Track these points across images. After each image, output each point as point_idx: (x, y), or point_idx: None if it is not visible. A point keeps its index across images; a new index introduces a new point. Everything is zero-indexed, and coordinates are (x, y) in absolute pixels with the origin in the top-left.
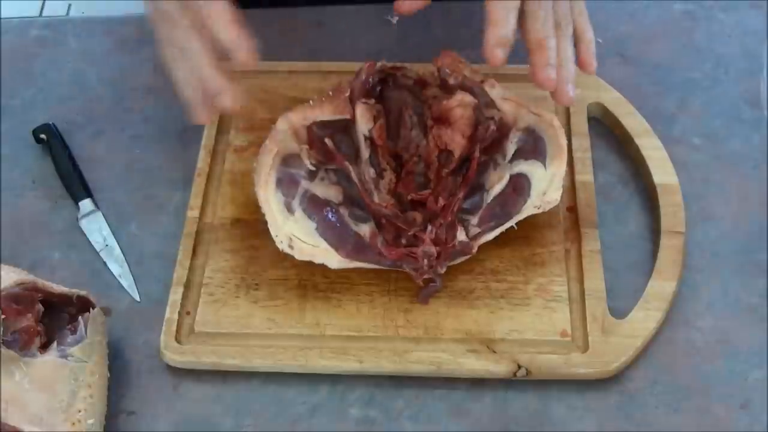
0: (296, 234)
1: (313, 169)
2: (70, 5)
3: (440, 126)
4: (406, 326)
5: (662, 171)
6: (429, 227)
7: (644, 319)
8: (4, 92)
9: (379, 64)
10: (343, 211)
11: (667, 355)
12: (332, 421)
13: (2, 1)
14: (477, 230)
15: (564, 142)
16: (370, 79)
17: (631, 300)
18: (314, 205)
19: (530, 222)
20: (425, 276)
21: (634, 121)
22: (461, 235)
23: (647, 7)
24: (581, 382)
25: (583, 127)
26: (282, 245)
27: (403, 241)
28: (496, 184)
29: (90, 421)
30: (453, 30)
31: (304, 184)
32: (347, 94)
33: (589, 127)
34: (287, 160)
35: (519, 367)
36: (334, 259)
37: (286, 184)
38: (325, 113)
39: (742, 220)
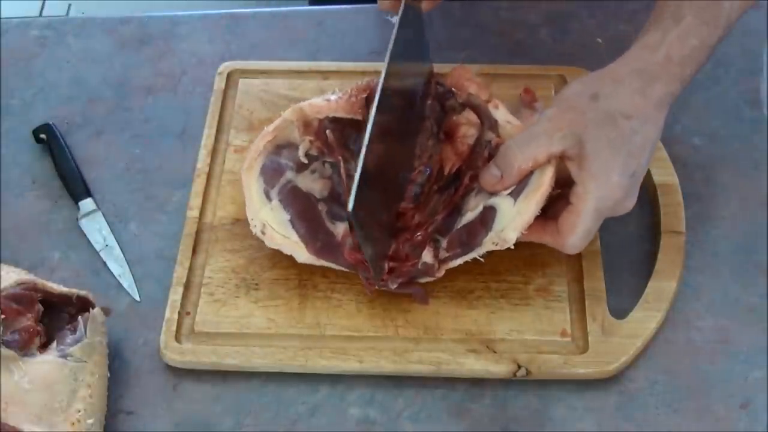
0: (270, 222)
1: (305, 161)
2: (70, 5)
3: (446, 140)
4: (406, 326)
5: (662, 171)
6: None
7: (644, 319)
8: (4, 92)
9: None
10: (322, 208)
11: (667, 355)
12: (332, 421)
13: (2, 1)
14: (446, 254)
15: (548, 181)
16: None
17: (631, 300)
18: (292, 198)
19: None
20: (375, 287)
21: None
22: (427, 256)
23: (647, 7)
24: (581, 382)
25: None
26: (255, 230)
27: None
28: (470, 211)
29: (89, 421)
30: (453, 30)
31: (289, 175)
32: (364, 95)
33: None
34: (280, 148)
35: (519, 367)
36: (302, 254)
37: (270, 172)
38: (339, 111)
39: (742, 220)
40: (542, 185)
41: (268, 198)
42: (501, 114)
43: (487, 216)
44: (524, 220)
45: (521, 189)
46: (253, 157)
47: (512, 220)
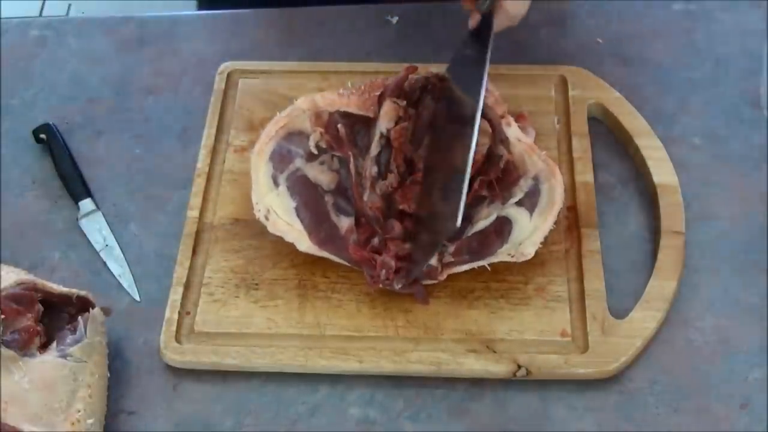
0: (275, 208)
1: (315, 152)
2: (70, 5)
3: None
4: (406, 326)
5: (662, 171)
6: (399, 241)
7: (644, 319)
8: (4, 92)
9: (428, 72)
10: (328, 199)
11: (667, 355)
12: (332, 421)
13: (2, 1)
14: (450, 259)
15: (559, 199)
16: (406, 82)
17: (631, 300)
18: (300, 186)
19: None
20: (379, 285)
21: (634, 121)
22: (432, 259)
23: (647, 7)
24: (581, 382)
25: (583, 127)
26: (259, 214)
27: (373, 243)
28: (482, 220)
29: (89, 421)
30: (453, 30)
31: (298, 162)
32: (378, 93)
33: (589, 127)
34: (291, 136)
35: (519, 367)
36: (304, 243)
37: (279, 157)
38: (351, 106)
39: (742, 220)
40: (556, 201)
41: (276, 183)
42: (512, 131)
43: (503, 227)
44: (540, 235)
45: (535, 203)
46: (265, 141)
47: (531, 234)
